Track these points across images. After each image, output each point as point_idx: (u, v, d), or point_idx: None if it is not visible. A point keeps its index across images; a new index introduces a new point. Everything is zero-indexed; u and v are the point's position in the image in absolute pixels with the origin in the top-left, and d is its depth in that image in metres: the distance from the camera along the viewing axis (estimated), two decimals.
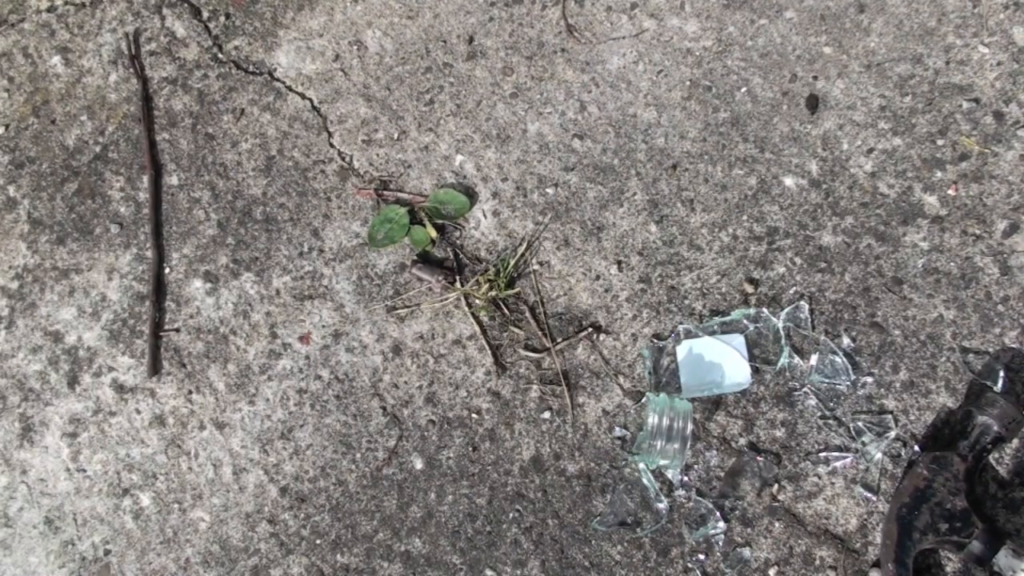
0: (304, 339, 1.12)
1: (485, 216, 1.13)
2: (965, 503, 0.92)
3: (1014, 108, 1.06)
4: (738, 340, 1.04)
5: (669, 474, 1.02)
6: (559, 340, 1.08)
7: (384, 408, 1.09)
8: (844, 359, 1.02)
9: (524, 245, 1.11)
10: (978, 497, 0.96)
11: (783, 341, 1.03)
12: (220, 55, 1.24)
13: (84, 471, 1.12)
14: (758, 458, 1.01)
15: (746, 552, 0.99)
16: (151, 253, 1.17)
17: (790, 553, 0.98)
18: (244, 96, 1.22)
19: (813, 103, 1.11)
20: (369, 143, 1.18)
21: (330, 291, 1.13)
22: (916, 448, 0.99)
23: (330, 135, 1.19)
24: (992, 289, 1.01)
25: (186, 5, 1.27)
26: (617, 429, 1.05)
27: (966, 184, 1.05)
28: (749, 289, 1.06)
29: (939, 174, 1.06)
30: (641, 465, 1.02)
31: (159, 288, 1.16)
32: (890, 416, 1.00)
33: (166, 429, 1.12)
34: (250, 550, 1.07)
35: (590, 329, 1.07)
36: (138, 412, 1.13)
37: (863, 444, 0.99)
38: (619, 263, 1.09)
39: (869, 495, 0.98)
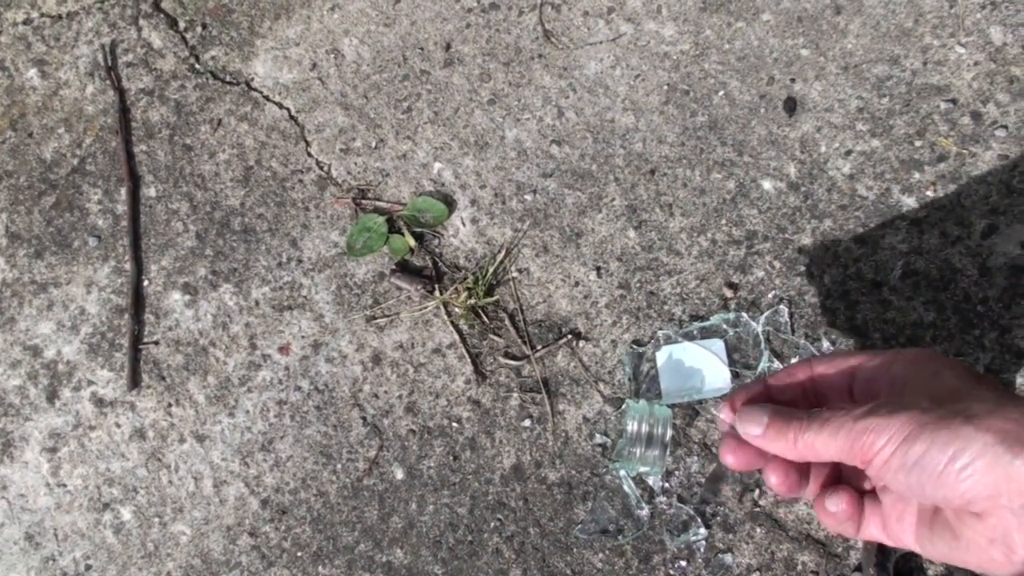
0: (283, 350, 1.12)
1: (464, 224, 1.13)
2: None
3: (991, 108, 1.06)
4: (718, 345, 1.03)
5: (650, 481, 1.01)
6: (539, 347, 1.07)
7: (364, 418, 1.08)
8: None
9: (503, 252, 1.11)
10: None
11: (763, 345, 1.03)
12: (197, 65, 1.24)
13: (64, 486, 1.11)
14: None
15: (728, 558, 0.98)
16: (129, 266, 1.16)
17: (772, 558, 0.98)
18: (221, 106, 1.21)
19: (791, 106, 1.10)
20: (347, 152, 1.18)
21: (309, 301, 1.13)
22: None
23: (308, 144, 1.19)
24: (971, 290, 1.01)
25: (162, 16, 1.26)
26: (598, 436, 1.04)
27: (944, 185, 1.05)
28: (728, 293, 1.06)
29: (917, 175, 1.06)
30: (622, 472, 1.02)
31: (138, 301, 1.15)
32: None
33: (146, 442, 1.11)
34: (231, 563, 1.06)
35: (570, 336, 1.07)
36: (118, 426, 1.12)
37: None
38: (598, 269, 1.09)
39: None
